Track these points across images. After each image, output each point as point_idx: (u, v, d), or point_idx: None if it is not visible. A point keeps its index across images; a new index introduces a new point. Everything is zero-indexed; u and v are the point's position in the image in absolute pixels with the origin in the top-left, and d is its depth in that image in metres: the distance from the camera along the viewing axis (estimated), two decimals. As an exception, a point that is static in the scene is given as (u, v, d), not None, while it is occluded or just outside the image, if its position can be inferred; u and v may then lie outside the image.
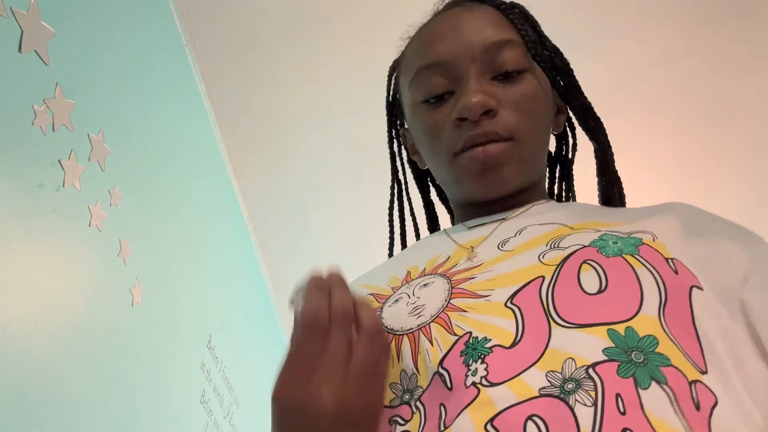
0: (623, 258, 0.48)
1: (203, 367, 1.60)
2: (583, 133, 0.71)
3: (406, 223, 0.80)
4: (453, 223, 0.75)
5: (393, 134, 0.78)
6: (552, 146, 0.75)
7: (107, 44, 1.21)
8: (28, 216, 0.93)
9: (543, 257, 0.51)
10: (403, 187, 0.80)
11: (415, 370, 0.50)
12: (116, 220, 1.18)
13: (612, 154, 0.70)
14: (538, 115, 0.63)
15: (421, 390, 0.49)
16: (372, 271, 0.69)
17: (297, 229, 2.17)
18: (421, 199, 0.82)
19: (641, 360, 0.42)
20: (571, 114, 0.71)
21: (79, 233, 1.07)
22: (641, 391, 0.40)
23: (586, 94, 0.69)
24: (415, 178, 0.81)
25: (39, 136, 0.96)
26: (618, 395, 0.40)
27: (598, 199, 0.72)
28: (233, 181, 1.97)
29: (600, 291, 0.47)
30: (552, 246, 0.52)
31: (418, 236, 0.81)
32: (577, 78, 0.68)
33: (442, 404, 0.46)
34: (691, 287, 0.47)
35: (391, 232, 0.79)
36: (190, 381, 1.53)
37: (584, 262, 0.49)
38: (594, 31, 1.70)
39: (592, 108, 0.68)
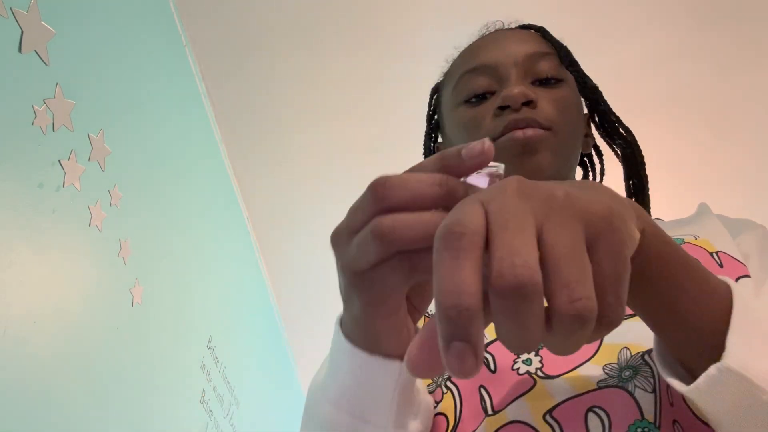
0: None
1: (203, 367, 1.60)
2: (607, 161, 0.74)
3: None
4: None
5: (430, 148, 0.80)
6: (578, 175, 0.77)
7: (107, 44, 1.21)
8: (28, 216, 0.92)
9: None
10: None
11: None
12: (116, 220, 1.18)
13: (644, 163, 0.71)
14: (573, 118, 0.66)
15: None
16: None
17: (297, 229, 2.17)
18: None
19: None
20: (596, 137, 0.75)
21: (79, 233, 1.07)
22: None
23: None
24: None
25: (39, 136, 0.96)
26: (667, 386, 0.41)
27: None
28: (233, 181, 1.97)
29: None
30: None
31: None
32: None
33: (482, 386, 0.46)
34: (738, 279, 0.48)
35: None
36: (190, 381, 1.53)
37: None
38: (592, 32, 1.70)
39: (622, 123, 0.72)
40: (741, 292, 0.37)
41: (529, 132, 0.60)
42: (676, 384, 0.36)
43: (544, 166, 0.61)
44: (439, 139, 0.79)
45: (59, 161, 1.01)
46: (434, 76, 0.80)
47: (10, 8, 0.89)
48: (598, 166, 0.78)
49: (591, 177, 0.79)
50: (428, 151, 0.80)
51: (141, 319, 1.27)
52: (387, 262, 0.33)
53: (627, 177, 0.72)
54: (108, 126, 1.16)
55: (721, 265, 0.49)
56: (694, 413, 0.41)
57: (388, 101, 1.82)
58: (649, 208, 0.72)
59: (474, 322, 0.24)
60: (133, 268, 1.24)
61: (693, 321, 0.35)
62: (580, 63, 0.70)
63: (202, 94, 1.73)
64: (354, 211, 0.36)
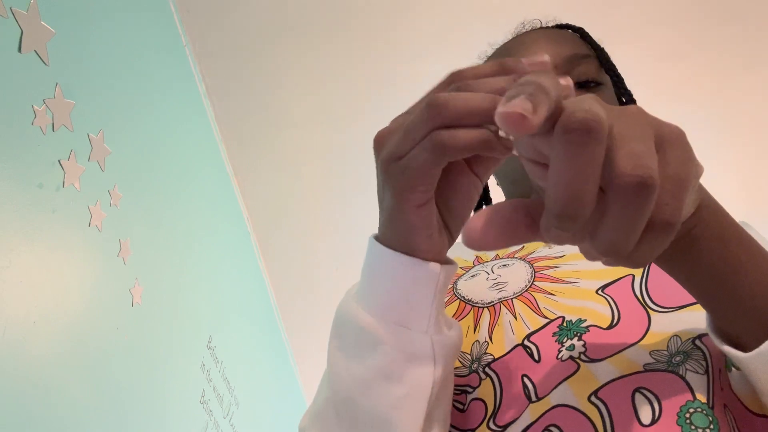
0: None
1: (203, 367, 1.60)
2: None
3: None
4: None
5: None
6: None
7: (107, 44, 1.21)
8: (28, 216, 0.93)
9: None
10: None
11: (488, 339, 0.49)
12: (116, 220, 1.18)
13: None
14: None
15: (491, 358, 0.48)
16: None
17: (297, 229, 2.17)
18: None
19: None
20: None
21: (79, 233, 1.07)
22: (728, 374, 0.42)
23: None
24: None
25: (39, 136, 0.96)
26: (720, 370, 0.41)
27: None
28: (233, 181, 1.97)
29: None
30: None
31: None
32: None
33: (525, 375, 0.46)
34: None
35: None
36: (190, 381, 1.53)
37: None
38: (593, 32, 1.70)
39: None
40: None
41: None
42: (734, 352, 0.37)
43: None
44: None
45: (59, 161, 1.01)
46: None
47: (10, 8, 0.89)
48: None
49: None
50: None
51: (141, 319, 1.27)
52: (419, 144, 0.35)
53: None
54: (108, 126, 1.16)
55: None
56: (740, 400, 0.41)
57: (389, 101, 1.82)
58: None
59: (581, 220, 0.26)
60: (133, 268, 1.24)
61: (753, 300, 0.36)
62: None
63: (202, 94, 1.73)
64: (408, 129, 0.36)
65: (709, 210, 0.35)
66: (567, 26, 0.72)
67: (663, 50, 1.75)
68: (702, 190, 0.35)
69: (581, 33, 0.70)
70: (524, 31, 0.73)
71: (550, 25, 0.74)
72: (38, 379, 0.93)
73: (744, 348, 0.37)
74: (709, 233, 0.35)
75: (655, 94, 1.84)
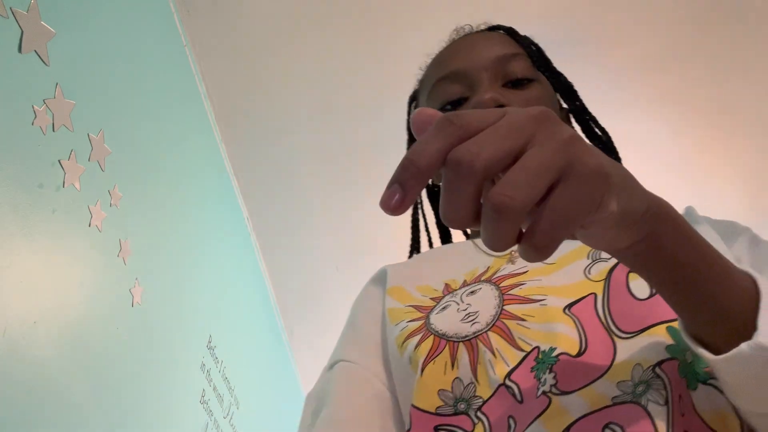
0: None
1: (203, 367, 1.60)
2: None
3: (421, 235, 0.83)
4: (468, 235, 0.78)
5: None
6: None
7: (107, 44, 1.21)
8: (28, 216, 0.93)
9: (589, 272, 0.53)
10: (419, 205, 0.83)
11: (473, 380, 0.49)
12: (116, 220, 1.18)
13: (620, 161, 0.71)
14: None
15: (480, 401, 0.48)
16: (398, 271, 0.68)
17: (297, 229, 2.17)
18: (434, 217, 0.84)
19: (691, 360, 0.44)
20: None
21: (79, 233, 1.07)
22: (691, 393, 0.43)
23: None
24: (429, 196, 0.84)
25: (39, 137, 0.96)
26: (680, 396, 0.42)
27: None
28: (233, 181, 1.97)
29: (651, 295, 0.49)
30: (593, 258, 0.54)
31: (430, 245, 0.83)
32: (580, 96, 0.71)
33: (511, 416, 0.46)
34: None
35: (413, 241, 0.82)
36: (190, 381, 1.53)
37: (630, 271, 0.51)
38: (595, 32, 1.70)
39: (597, 123, 0.71)
40: (762, 279, 0.40)
41: None
42: (706, 354, 0.38)
43: None
44: None
45: (59, 161, 1.01)
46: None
47: (10, 8, 0.89)
48: None
49: None
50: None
51: (141, 319, 1.27)
52: None
53: None
54: (108, 126, 1.16)
55: None
56: (703, 420, 0.42)
57: (389, 101, 1.82)
58: None
59: (417, 180, 0.31)
60: (133, 268, 1.24)
61: (719, 304, 0.38)
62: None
63: (202, 94, 1.73)
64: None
65: (656, 215, 0.37)
66: (498, 27, 0.75)
67: (663, 51, 1.75)
68: (651, 199, 0.37)
69: (511, 33, 0.72)
70: (456, 38, 0.76)
71: (481, 28, 0.76)
72: (38, 379, 0.93)
73: (714, 350, 0.38)
74: (663, 239, 0.37)
75: (654, 95, 1.84)
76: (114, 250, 1.18)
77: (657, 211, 0.37)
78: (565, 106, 0.74)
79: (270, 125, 1.89)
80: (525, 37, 0.72)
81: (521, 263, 0.57)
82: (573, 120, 0.74)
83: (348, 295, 2.78)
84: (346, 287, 2.59)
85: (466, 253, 0.66)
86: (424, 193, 0.85)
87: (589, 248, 0.56)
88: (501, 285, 0.55)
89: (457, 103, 0.67)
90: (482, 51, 0.68)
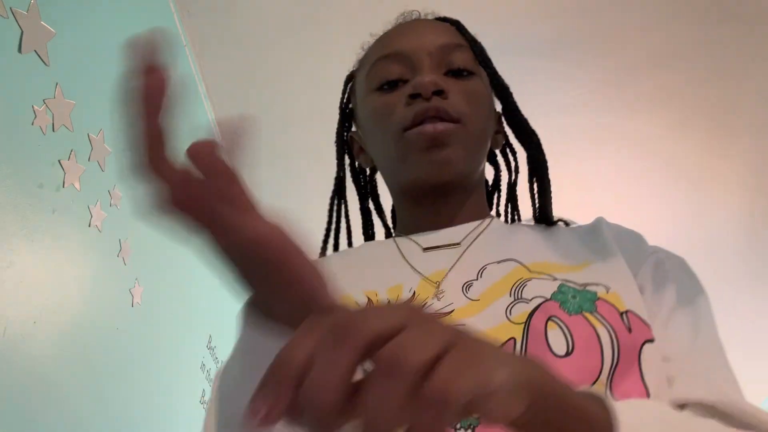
0: (584, 316, 0.50)
1: (203, 367, 1.60)
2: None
3: (341, 224, 0.80)
4: (393, 228, 0.76)
5: (344, 137, 0.79)
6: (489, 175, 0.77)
7: (107, 44, 1.21)
8: (28, 216, 0.93)
9: (510, 313, 0.52)
10: (344, 188, 0.81)
11: None
12: (116, 220, 1.18)
13: (547, 166, 0.70)
14: (484, 112, 0.67)
15: None
16: (335, 265, 0.66)
17: (297, 229, 2.17)
18: (358, 209, 0.81)
19: None
20: (509, 137, 0.74)
21: (79, 233, 1.07)
22: None
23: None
24: (356, 182, 0.82)
25: (39, 137, 0.96)
26: None
27: (532, 210, 0.71)
28: (233, 181, 1.97)
29: (567, 353, 0.48)
30: (516, 297, 0.53)
31: (350, 241, 0.80)
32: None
33: None
34: (644, 343, 0.49)
35: (328, 229, 0.80)
36: (190, 381, 1.53)
37: (549, 319, 0.50)
38: (596, 32, 1.70)
39: (528, 125, 0.71)
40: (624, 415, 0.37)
41: (440, 126, 0.61)
42: None
43: (453, 159, 0.62)
44: (353, 129, 0.79)
45: (59, 161, 1.01)
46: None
47: (10, 8, 0.89)
48: (513, 163, 0.76)
49: (502, 175, 0.78)
50: (341, 141, 0.78)
51: (141, 319, 1.27)
52: None
53: (530, 178, 0.70)
54: (108, 126, 1.16)
55: (629, 330, 0.50)
56: None
57: (388, 101, 1.82)
58: (551, 211, 0.69)
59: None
60: (133, 268, 1.24)
61: None
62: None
63: (202, 94, 1.73)
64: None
65: (536, 407, 0.32)
66: (445, 19, 0.73)
67: (663, 51, 1.75)
68: (536, 387, 0.32)
69: (457, 26, 0.71)
70: (403, 21, 0.74)
71: (429, 17, 0.75)
72: (38, 379, 0.93)
73: None
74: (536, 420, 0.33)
75: (654, 95, 1.85)
76: (114, 250, 1.18)
77: (538, 405, 0.32)
78: (498, 107, 0.74)
79: (270, 125, 1.89)
80: (470, 33, 0.71)
81: (447, 299, 0.55)
82: (504, 121, 0.73)
83: (348, 295, 2.76)
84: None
85: (389, 260, 0.64)
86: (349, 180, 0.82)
87: (513, 281, 0.55)
88: None
89: (395, 84, 0.66)
90: (428, 36, 0.67)
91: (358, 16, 1.66)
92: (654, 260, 0.58)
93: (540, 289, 0.53)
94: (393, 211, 0.77)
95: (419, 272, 0.60)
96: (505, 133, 0.74)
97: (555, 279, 0.54)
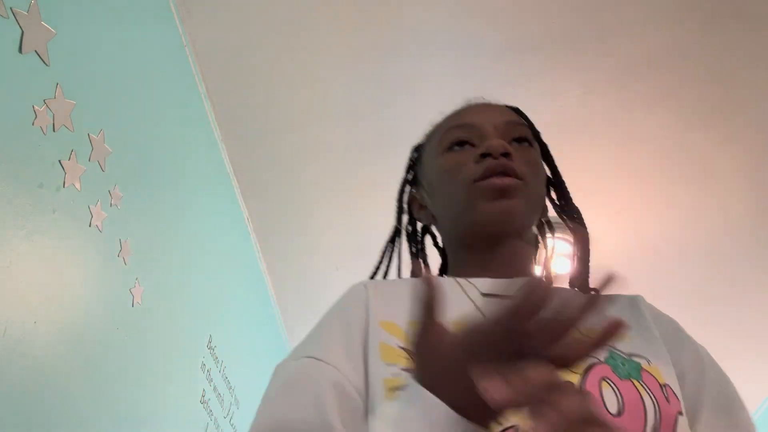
0: (632, 382, 0.57)
1: (203, 367, 1.60)
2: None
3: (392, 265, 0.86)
4: (443, 272, 0.83)
5: (402, 196, 0.87)
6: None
7: (107, 44, 1.21)
8: (28, 216, 0.93)
9: None
10: (402, 235, 0.87)
11: None
12: (116, 220, 1.18)
13: (589, 238, 0.78)
14: (540, 178, 0.77)
15: None
16: (385, 291, 0.70)
17: (297, 229, 2.17)
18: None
19: None
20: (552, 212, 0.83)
21: (80, 233, 1.07)
22: None
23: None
24: (411, 234, 0.87)
25: (39, 137, 0.96)
26: None
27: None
28: (233, 181, 1.97)
29: (619, 413, 0.54)
30: None
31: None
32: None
33: None
34: (677, 414, 0.56)
35: (378, 267, 0.85)
36: (190, 381, 1.53)
37: (603, 379, 0.57)
38: (595, 31, 1.70)
39: (569, 196, 0.81)
40: None
41: (507, 180, 0.69)
42: None
43: (516, 210, 0.70)
44: (414, 191, 0.87)
45: (59, 161, 1.01)
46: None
47: (11, 8, 0.89)
48: (550, 241, 0.84)
49: (543, 250, 0.85)
50: (400, 198, 0.86)
51: (141, 319, 1.27)
52: None
53: (573, 244, 0.78)
54: (108, 126, 1.16)
55: (668, 400, 0.57)
56: None
57: (389, 101, 1.82)
58: (589, 279, 0.76)
59: None
60: (133, 268, 1.24)
61: None
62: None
63: (202, 93, 1.73)
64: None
65: None
66: (507, 106, 0.84)
67: (663, 50, 1.75)
68: None
69: (518, 111, 0.82)
70: (473, 103, 0.84)
71: (493, 103, 0.85)
72: (38, 379, 0.93)
73: None
74: None
75: (655, 94, 1.85)
76: (114, 250, 1.18)
77: None
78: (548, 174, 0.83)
79: (270, 125, 1.89)
80: (527, 117, 0.82)
81: None
82: (552, 190, 0.82)
83: (348, 295, 2.71)
84: (346, 287, 2.59)
85: (451, 292, 0.68)
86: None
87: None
88: None
89: (464, 145, 0.75)
90: (494, 114, 0.78)
91: (359, 16, 1.66)
92: (694, 351, 0.66)
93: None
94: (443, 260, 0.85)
95: (477, 303, 0.66)
96: (547, 207, 0.83)
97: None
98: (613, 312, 0.66)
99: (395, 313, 0.66)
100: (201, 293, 1.64)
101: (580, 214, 0.79)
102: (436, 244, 0.88)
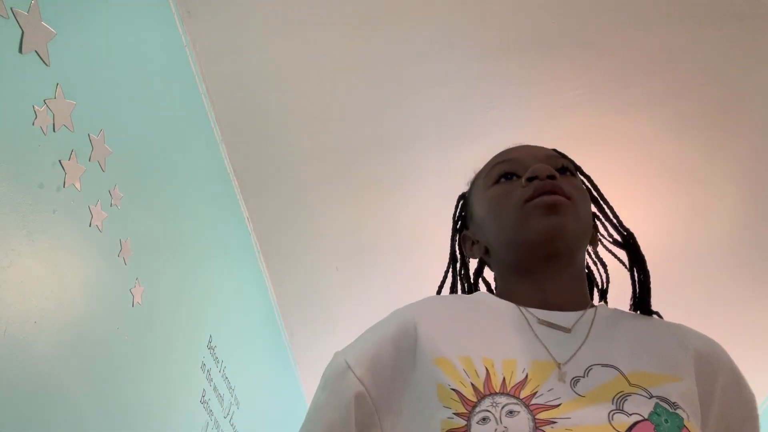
0: None
1: (203, 367, 1.60)
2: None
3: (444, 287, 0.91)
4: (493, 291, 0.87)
5: (455, 239, 0.91)
6: None
7: (107, 44, 1.21)
8: (28, 216, 0.93)
9: (612, 418, 0.61)
10: (458, 276, 0.91)
11: None
12: (117, 220, 1.18)
13: (645, 260, 0.81)
14: (587, 202, 0.79)
15: None
16: (431, 310, 0.74)
17: (297, 229, 2.17)
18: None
19: None
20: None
21: (80, 233, 1.07)
22: None
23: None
24: (463, 273, 0.91)
25: (39, 137, 0.96)
26: None
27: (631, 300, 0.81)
28: (233, 181, 1.97)
29: None
30: (618, 406, 0.63)
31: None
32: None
33: None
34: None
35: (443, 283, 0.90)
36: (190, 381, 1.53)
37: None
38: (595, 32, 1.70)
39: (621, 223, 0.83)
40: None
41: (555, 197, 0.73)
42: None
43: (567, 227, 0.72)
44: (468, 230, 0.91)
45: (60, 161, 1.01)
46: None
47: (11, 9, 0.89)
48: (603, 275, 0.87)
49: (596, 284, 0.87)
50: (453, 246, 0.90)
51: (141, 319, 1.27)
52: None
53: (630, 268, 0.82)
54: (108, 126, 1.16)
55: None
56: None
57: (389, 101, 1.82)
58: (650, 301, 0.80)
59: None
60: (133, 268, 1.24)
61: None
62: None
63: (202, 93, 1.73)
64: None
65: None
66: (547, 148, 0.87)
67: (663, 50, 1.75)
68: None
69: (557, 152, 0.85)
70: (515, 145, 0.87)
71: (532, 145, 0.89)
72: (38, 379, 0.93)
73: None
74: None
75: (654, 94, 1.85)
76: (114, 250, 1.18)
77: None
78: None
79: (270, 125, 1.89)
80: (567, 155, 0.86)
81: (555, 395, 0.63)
82: (599, 222, 0.84)
83: (348, 295, 2.79)
84: (346, 287, 2.59)
85: (509, 319, 0.72)
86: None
87: (615, 391, 0.64)
88: (537, 416, 0.61)
89: (510, 177, 0.79)
90: (536, 150, 0.82)
91: (359, 17, 1.66)
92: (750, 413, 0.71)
93: (638, 406, 0.62)
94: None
95: (547, 349, 0.69)
96: (597, 240, 0.85)
97: (651, 396, 0.63)
98: (666, 346, 0.71)
99: (445, 342, 0.69)
100: (201, 293, 1.64)
101: (635, 238, 0.81)
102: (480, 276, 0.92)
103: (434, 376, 0.66)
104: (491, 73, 1.73)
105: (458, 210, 0.92)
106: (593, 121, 1.87)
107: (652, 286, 0.81)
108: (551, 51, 1.71)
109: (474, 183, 0.88)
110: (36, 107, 0.95)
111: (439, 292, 0.89)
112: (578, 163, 0.85)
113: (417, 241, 2.12)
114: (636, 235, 0.83)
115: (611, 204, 0.84)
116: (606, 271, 0.86)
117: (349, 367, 0.68)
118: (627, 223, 0.81)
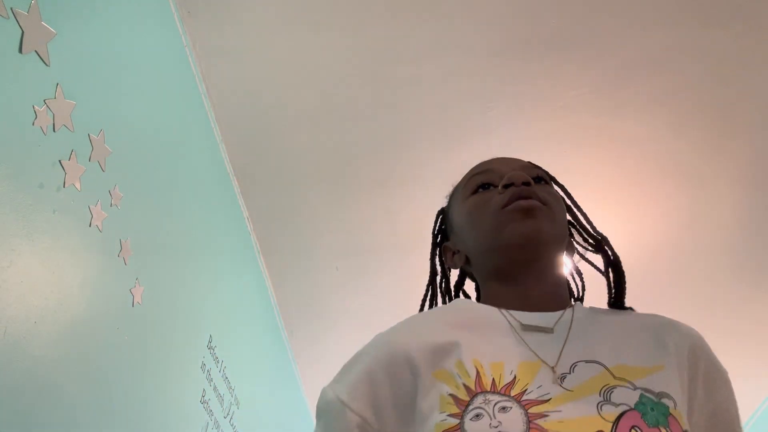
0: (659, 430, 0.62)
1: (203, 367, 1.60)
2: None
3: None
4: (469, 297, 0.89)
5: (435, 252, 0.93)
6: None
7: (107, 44, 1.21)
8: (28, 216, 0.93)
9: (601, 409, 0.63)
10: (438, 290, 0.93)
11: None
12: (117, 220, 1.18)
13: (620, 260, 0.82)
14: (562, 208, 0.81)
15: None
16: (416, 329, 0.75)
17: (297, 229, 2.17)
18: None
19: None
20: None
21: (80, 233, 1.07)
22: None
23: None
24: (443, 282, 0.93)
25: (39, 137, 0.96)
26: None
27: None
28: (233, 181, 1.97)
29: None
30: (605, 398, 0.65)
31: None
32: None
33: None
34: None
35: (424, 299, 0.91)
36: (190, 381, 1.53)
37: (633, 427, 0.61)
38: (594, 32, 1.70)
39: (592, 227, 0.85)
40: None
41: (531, 202, 0.75)
42: None
43: (543, 230, 0.75)
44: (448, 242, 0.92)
45: (60, 161, 1.01)
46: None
47: (11, 9, 0.89)
48: (580, 285, 0.88)
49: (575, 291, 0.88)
50: (432, 259, 0.92)
51: (141, 319, 1.27)
52: None
53: (605, 269, 0.83)
54: (108, 126, 1.16)
55: None
56: None
57: (388, 101, 1.82)
58: (624, 298, 0.81)
59: None
60: (133, 268, 1.24)
61: None
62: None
63: (202, 93, 1.73)
64: None
65: None
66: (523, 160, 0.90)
67: (663, 51, 1.75)
68: None
69: (532, 164, 0.88)
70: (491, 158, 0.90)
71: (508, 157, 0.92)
72: (38, 379, 0.93)
73: None
74: None
75: (654, 95, 1.85)
76: (114, 250, 1.18)
77: None
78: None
79: (270, 125, 1.89)
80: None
81: (545, 390, 0.65)
82: (572, 229, 0.86)
83: (348, 295, 2.79)
84: (346, 287, 2.60)
85: (494, 328, 0.73)
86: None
87: (601, 385, 0.66)
88: (529, 411, 0.63)
89: (487, 187, 0.81)
90: (511, 161, 0.85)
91: (359, 17, 1.66)
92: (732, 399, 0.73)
93: (624, 397, 0.64)
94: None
95: (532, 350, 0.70)
96: (574, 247, 0.88)
97: (635, 388, 0.66)
98: (645, 339, 0.73)
99: (441, 357, 0.70)
100: (201, 293, 1.64)
101: (608, 241, 0.84)
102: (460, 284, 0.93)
103: (437, 389, 0.67)
104: (491, 73, 1.73)
105: (437, 224, 0.94)
106: (593, 121, 1.87)
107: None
108: (551, 51, 1.71)
109: (452, 196, 0.90)
110: (36, 107, 0.95)
111: (421, 308, 0.90)
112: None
113: (417, 241, 2.11)
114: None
115: (584, 211, 0.87)
116: (582, 280, 0.88)
117: (344, 403, 0.68)
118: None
